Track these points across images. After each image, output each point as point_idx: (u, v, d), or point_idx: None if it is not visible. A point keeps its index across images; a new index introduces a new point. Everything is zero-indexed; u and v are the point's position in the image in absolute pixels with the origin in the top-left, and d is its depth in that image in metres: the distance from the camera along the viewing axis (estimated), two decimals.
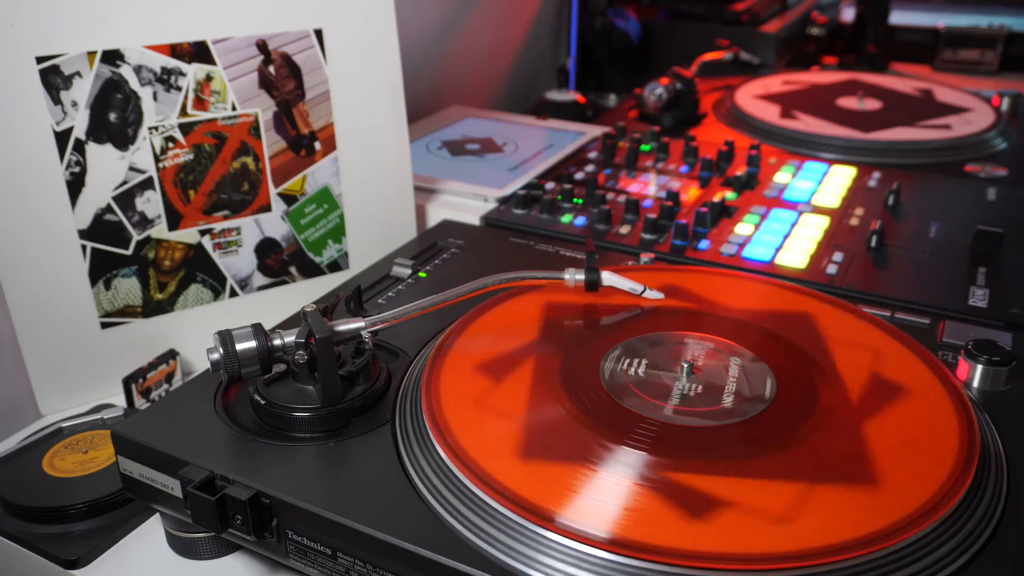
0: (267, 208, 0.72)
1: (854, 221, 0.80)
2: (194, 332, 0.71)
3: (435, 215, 0.84)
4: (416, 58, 1.14)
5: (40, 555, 0.52)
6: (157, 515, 0.54)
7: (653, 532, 0.40)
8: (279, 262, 0.74)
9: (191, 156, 0.67)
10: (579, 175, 0.91)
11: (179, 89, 0.66)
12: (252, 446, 0.48)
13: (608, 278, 0.58)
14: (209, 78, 0.67)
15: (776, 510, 0.41)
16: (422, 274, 0.68)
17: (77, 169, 0.63)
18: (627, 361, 0.53)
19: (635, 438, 0.46)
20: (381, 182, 0.77)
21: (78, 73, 0.62)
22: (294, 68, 0.70)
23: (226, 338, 0.49)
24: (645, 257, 0.70)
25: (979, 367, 0.53)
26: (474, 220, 0.82)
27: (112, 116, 0.64)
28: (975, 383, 0.54)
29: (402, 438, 0.48)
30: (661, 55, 1.50)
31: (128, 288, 0.67)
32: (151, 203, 0.67)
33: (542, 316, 0.59)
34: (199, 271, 0.70)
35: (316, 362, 0.48)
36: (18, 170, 0.61)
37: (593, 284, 0.58)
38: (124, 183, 0.65)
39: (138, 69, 0.64)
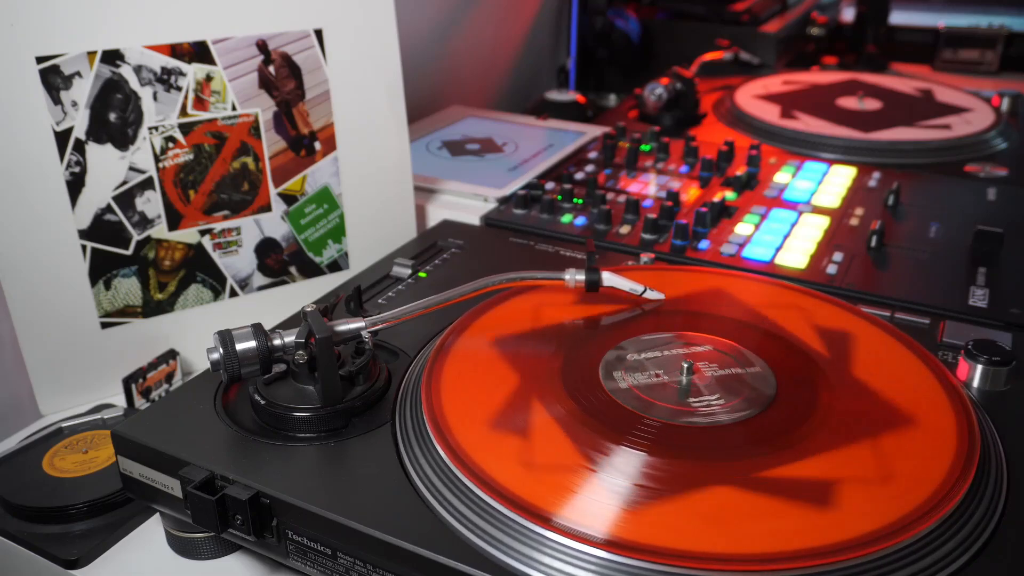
0: (267, 208, 0.72)
1: (854, 221, 0.80)
2: (194, 332, 0.71)
3: (435, 215, 0.84)
4: (416, 58, 1.14)
5: (40, 555, 0.52)
6: (157, 515, 0.54)
7: (652, 532, 0.40)
8: (279, 262, 0.74)
9: (191, 156, 0.67)
10: (579, 175, 0.91)
11: (179, 89, 0.66)
12: (252, 446, 0.48)
13: (608, 278, 0.58)
14: (209, 78, 0.67)
15: (776, 510, 0.41)
16: (422, 274, 0.68)
17: (77, 169, 0.63)
18: (627, 361, 0.53)
19: (635, 438, 0.46)
20: (381, 182, 0.77)
21: (78, 73, 0.62)
22: (294, 68, 0.70)
23: (226, 338, 0.49)
24: (645, 257, 0.70)
25: (979, 367, 0.53)
26: (474, 220, 0.82)
27: (112, 116, 0.64)
28: (975, 383, 0.54)
29: (402, 438, 0.48)
30: (661, 55, 1.50)
31: (128, 288, 0.67)
32: (151, 203, 0.67)
33: (542, 316, 0.59)
34: (199, 271, 0.70)
35: (316, 362, 0.48)
36: (18, 170, 0.61)
37: (593, 284, 0.58)
38: (124, 183, 0.65)
39: (138, 69, 0.64)
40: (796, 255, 0.73)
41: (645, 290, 0.59)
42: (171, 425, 0.50)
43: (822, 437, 0.47)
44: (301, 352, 0.50)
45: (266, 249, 0.73)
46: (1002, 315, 0.64)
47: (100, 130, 0.64)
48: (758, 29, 1.46)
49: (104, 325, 0.67)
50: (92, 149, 0.64)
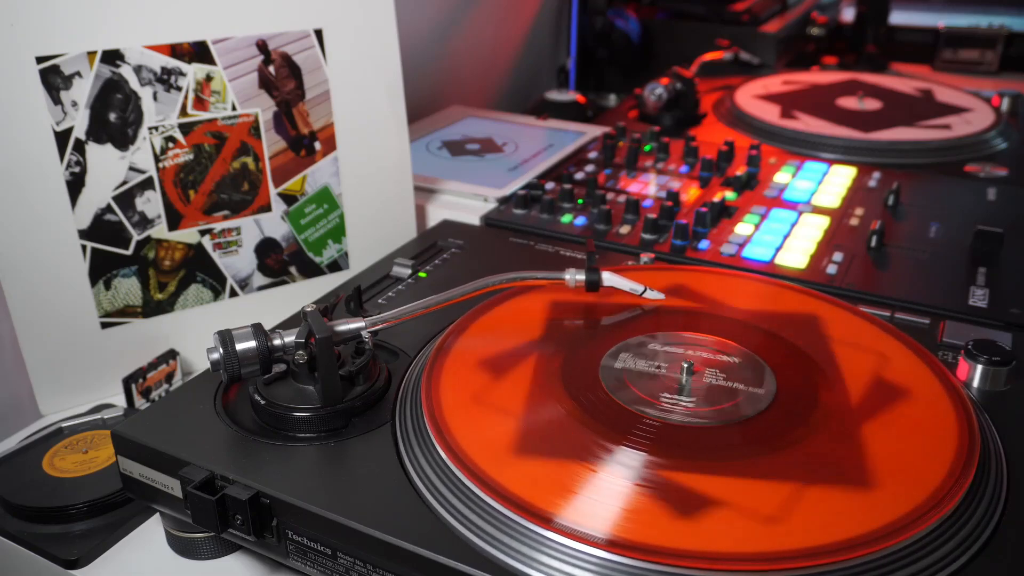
0: (267, 208, 0.72)
1: (854, 221, 0.80)
2: (194, 332, 0.71)
3: (435, 215, 0.84)
4: (416, 58, 1.14)
5: (40, 555, 0.52)
6: (157, 515, 0.54)
7: (652, 532, 0.40)
8: (279, 262, 0.74)
9: (191, 156, 0.67)
10: (579, 175, 0.91)
11: (179, 89, 0.66)
12: (252, 446, 0.48)
13: (608, 278, 0.58)
14: (209, 78, 0.67)
15: (776, 510, 0.41)
16: (422, 274, 0.68)
17: (77, 169, 0.63)
18: (627, 361, 0.53)
19: (635, 438, 0.46)
20: (381, 182, 0.77)
21: (78, 73, 0.62)
22: (294, 68, 0.70)
23: (226, 338, 0.49)
24: (645, 257, 0.70)
25: (979, 367, 0.53)
26: (474, 220, 0.82)
27: (112, 116, 0.64)
28: (975, 383, 0.54)
29: (402, 438, 0.48)
30: (661, 55, 1.50)
31: (128, 288, 0.67)
32: (151, 203, 0.67)
33: (542, 316, 0.59)
34: (199, 271, 0.70)
35: (316, 362, 0.48)
36: (18, 170, 0.61)
37: (594, 284, 0.58)
38: (124, 183, 0.65)
39: (138, 69, 0.64)
40: (796, 255, 0.73)
41: (645, 290, 0.59)
42: (171, 425, 0.50)
43: (821, 437, 0.47)
44: (301, 352, 0.50)
45: (266, 249, 0.73)
46: (1002, 315, 0.64)
47: (100, 130, 0.64)
48: (758, 29, 1.46)
49: (104, 325, 0.67)
50: (92, 149, 0.64)
